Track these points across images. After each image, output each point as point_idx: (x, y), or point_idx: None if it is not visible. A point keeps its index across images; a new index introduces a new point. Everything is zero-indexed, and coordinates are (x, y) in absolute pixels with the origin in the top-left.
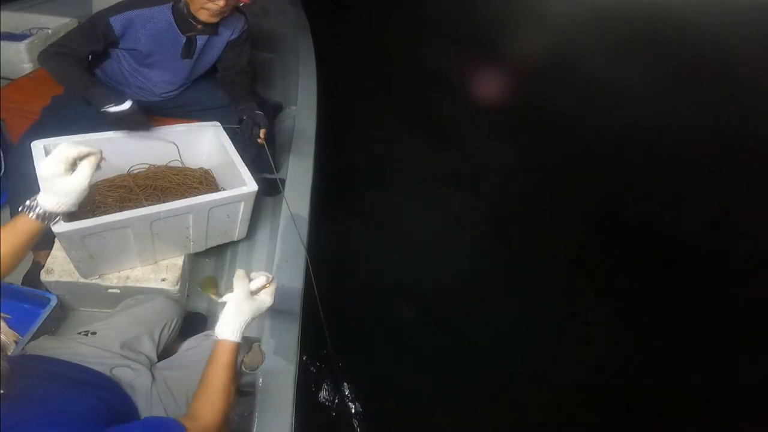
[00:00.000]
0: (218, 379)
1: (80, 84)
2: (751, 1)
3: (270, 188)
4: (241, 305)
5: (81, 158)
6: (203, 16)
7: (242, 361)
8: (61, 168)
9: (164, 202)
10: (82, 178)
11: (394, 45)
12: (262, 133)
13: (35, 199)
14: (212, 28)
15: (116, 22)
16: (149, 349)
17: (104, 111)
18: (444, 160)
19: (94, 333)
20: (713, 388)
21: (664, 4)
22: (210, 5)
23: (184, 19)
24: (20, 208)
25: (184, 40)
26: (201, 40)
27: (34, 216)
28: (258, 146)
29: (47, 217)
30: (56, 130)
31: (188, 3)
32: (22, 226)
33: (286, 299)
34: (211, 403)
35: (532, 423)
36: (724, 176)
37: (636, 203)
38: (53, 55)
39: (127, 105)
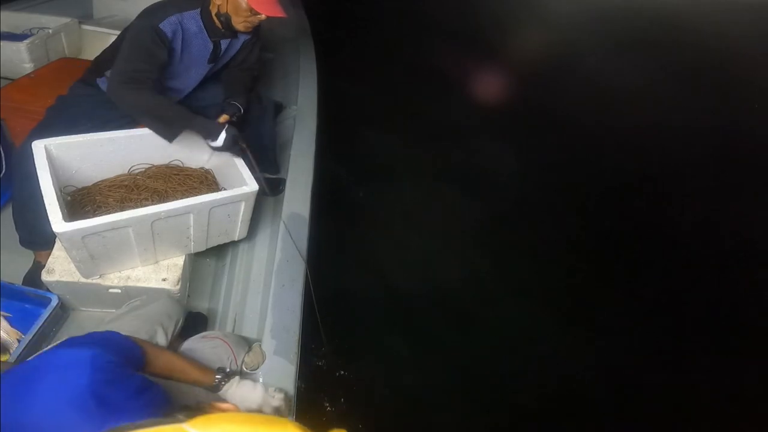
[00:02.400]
0: (188, 375)
1: (178, 119)
2: (751, 1)
3: (270, 188)
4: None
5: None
6: (242, 27)
7: (243, 361)
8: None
9: (165, 201)
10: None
11: (394, 45)
12: (222, 118)
13: (230, 382)
14: (234, 32)
15: (166, 27)
16: (162, 342)
17: (210, 146)
18: (444, 160)
19: None
20: (714, 388)
21: (664, 4)
22: (253, 19)
23: (212, 25)
24: (217, 376)
25: (212, 45)
26: (223, 44)
27: (215, 389)
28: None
29: (215, 389)
30: (61, 130)
31: (229, 15)
32: (206, 381)
33: (286, 299)
34: (173, 367)
35: (532, 422)
36: (724, 176)
37: (636, 203)
38: (131, 89)
39: (221, 141)
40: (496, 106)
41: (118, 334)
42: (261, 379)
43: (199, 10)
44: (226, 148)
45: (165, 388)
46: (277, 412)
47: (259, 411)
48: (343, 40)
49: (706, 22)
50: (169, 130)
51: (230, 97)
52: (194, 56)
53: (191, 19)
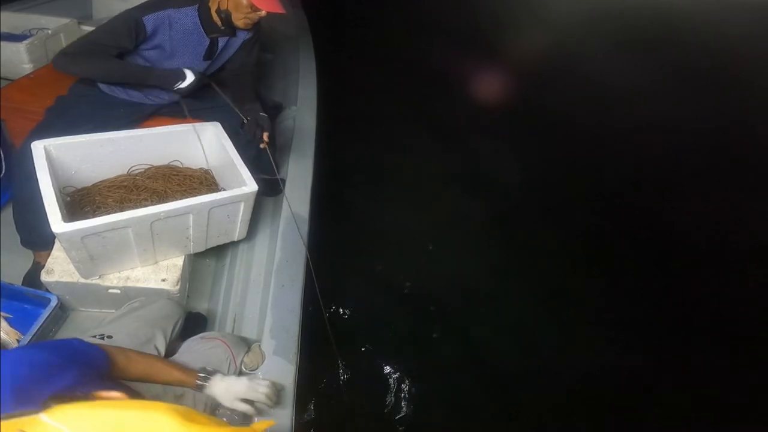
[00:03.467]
0: (169, 377)
1: (135, 74)
2: (751, 1)
3: (270, 188)
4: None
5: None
6: (242, 24)
7: (242, 361)
8: (245, 396)
9: (164, 202)
10: (236, 407)
11: (394, 45)
12: (265, 136)
13: (211, 379)
14: (232, 30)
15: (149, 21)
16: (161, 344)
17: (176, 89)
18: (444, 160)
19: (110, 336)
20: (715, 388)
21: (664, 4)
22: (253, 16)
23: (210, 21)
24: (197, 373)
25: (208, 41)
26: (221, 41)
27: (198, 384)
28: (258, 148)
29: (198, 388)
30: (60, 130)
31: (230, 11)
32: (187, 381)
33: (286, 299)
34: (150, 371)
35: (532, 422)
36: (724, 176)
37: (636, 202)
38: (83, 55)
39: (191, 76)
40: (496, 106)
41: (80, 340)
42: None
43: (196, 6)
44: (196, 84)
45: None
46: (267, 398)
47: (246, 397)
48: (343, 39)
49: (706, 22)
50: (128, 82)
51: (242, 103)
52: (188, 53)
53: (186, 16)
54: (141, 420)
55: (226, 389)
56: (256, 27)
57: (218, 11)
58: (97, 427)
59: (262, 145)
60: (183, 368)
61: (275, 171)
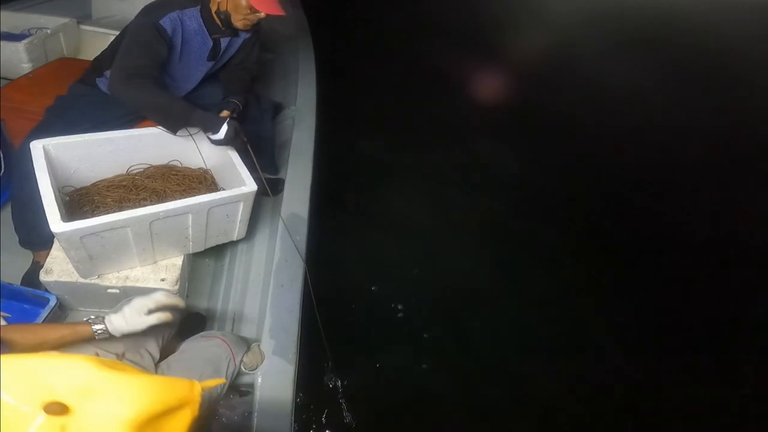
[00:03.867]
0: (55, 336)
1: (180, 112)
2: (751, 1)
3: (269, 188)
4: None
5: (160, 308)
6: (241, 25)
7: (242, 361)
8: (145, 309)
9: (163, 202)
10: (148, 323)
11: (394, 45)
12: (223, 113)
13: (104, 318)
14: (234, 31)
15: (166, 24)
16: (154, 348)
17: (211, 139)
18: (444, 160)
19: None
20: (715, 388)
21: (664, 4)
22: (252, 17)
23: (212, 23)
24: (86, 318)
25: (211, 43)
26: (223, 42)
27: (97, 329)
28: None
29: (102, 334)
30: (60, 130)
31: (229, 12)
32: (82, 330)
33: (285, 299)
34: (43, 337)
35: (532, 422)
36: (724, 176)
37: (636, 202)
38: (132, 84)
39: (222, 133)
40: (496, 106)
41: None
42: (260, 379)
43: (199, 7)
44: (227, 141)
45: None
46: (166, 297)
47: (147, 308)
48: (343, 40)
49: (706, 22)
50: (171, 124)
51: (229, 95)
52: (194, 54)
53: (191, 17)
54: (57, 365)
55: (125, 317)
56: (256, 27)
57: (218, 12)
58: (16, 373)
59: (224, 113)
60: (72, 324)
61: (256, 165)
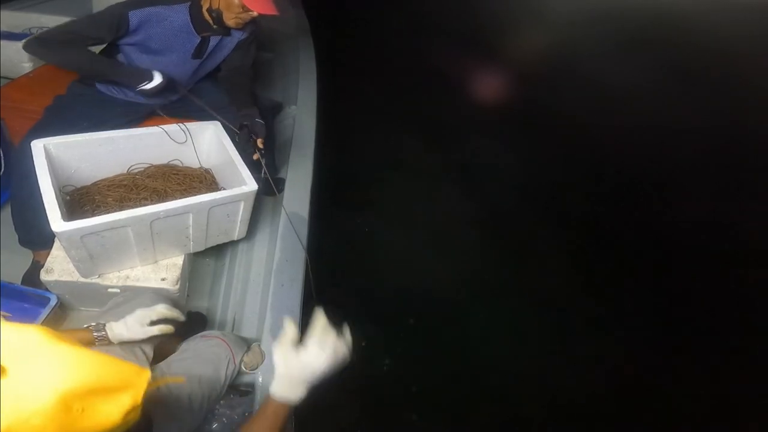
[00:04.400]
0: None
1: (102, 67)
2: (751, 1)
3: (270, 188)
4: (287, 362)
5: (162, 320)
6: (233, 23)
7: (242, 360)
8: (147, 320)
9: (164, 201)
10: (149, 333)
11: (394, 44)
12: (259, 142)
13: (105, 325)
14: (226, 30)
15: (134, 16)
16: (148, 347)
17: (140, 90)
18: (444, 160)
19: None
20: (715, 388)
21: (664, 4)
22: (244, 16)
23: (201, 20)
24: (86, 326)
25: (198, 40)
26: (213, 40)
27: (98, 335)
28: (252, 152)
29: (102, 341)
30: (59, 129)
31: (221, 10)
32: (83, 337)
33: (285, 299)
34: None
35: (532, 422)
36: (723, 176)
37: (635, 202)
38: (56, 42)
39: (158, 79)
40: (495, 106)
41: None
42: (260, 379)
43: (188, 4)
44: (159, 90)
45: None
46: (167, 310)
47: (149, 319)
48: (343, 39)
49: (706, 22)
50: (95, 75)
51: (238, 107)
52: (176, 50)
53: (178, 13)
54: (10, 331)
55: (127, 325)
56: (252, 27)
57: (209, 10)
58: None
59: (255, 157)
60: (74, 330)
61: (270, 180)
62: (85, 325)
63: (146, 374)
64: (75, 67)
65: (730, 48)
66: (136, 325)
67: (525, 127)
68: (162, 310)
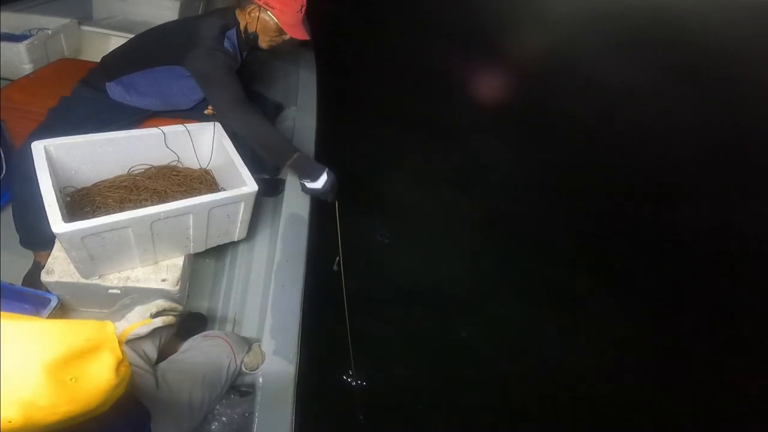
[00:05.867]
0: None
1: (284, 151)
2: (751, 1)
3: (270, 189)
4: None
5: (161, 312)
6: (266, 46)
7: (242, 361)
8: (147, 314)
9: (164, 202)
10: (152, 325)
11: (395, 44)
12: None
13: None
14: (255, 49)
15: (227, 45)
16: (150, 349)
17: (301, 183)
18: (444, 160)
19: None
20: (714, 389)
21: (664, 4)
22: (278, 39)
23: (242, 41)
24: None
25: (240, 59)
26: (247, 56)
27: None
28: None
29: None
30: (63, 131)
31: (257, 34)
32: None
33: (285, 299)
34: None
35: (531, 422)
36: (724, 175)
37: (635, 202)
38: (246, 110)
39: (321, 183)
40: (496, 106)
41: None
42: (261, 380)
43: (235, 28)
44: (324, 192)
45: None
46: (165, 301)
47: (150, 312)
48: (343, 39)
49: (706, 22)
50: (274, 158)
51: None
52: None
53: (231, 37)
54: None
55: (129, 322)
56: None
57: (245, 32)
58: None
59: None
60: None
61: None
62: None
63: (109, 325)
64: (265, 141)
65: (730, 48)
66: (137, 318)
67: (526, 127)
68: (161, 302)
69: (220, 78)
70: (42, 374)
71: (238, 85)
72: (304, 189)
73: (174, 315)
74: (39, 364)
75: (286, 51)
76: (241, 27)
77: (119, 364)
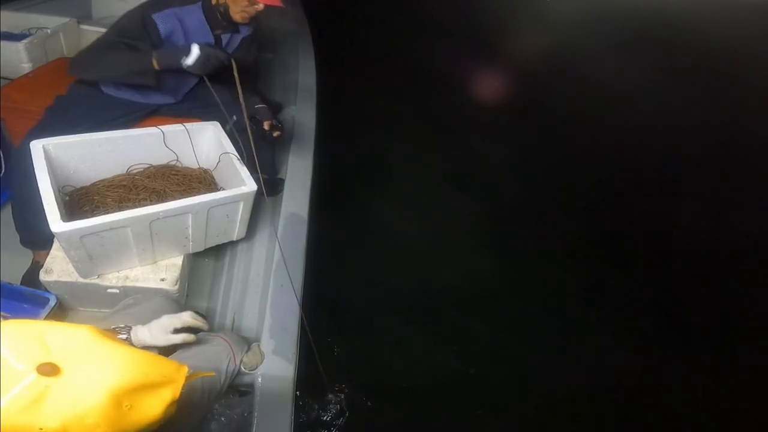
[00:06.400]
0: None
1: (139, 61)
2: (751, 1)
3: (269, 189)
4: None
5: (186, 328)
6: (239, 18)
7: (241, 360)
8: (171, 328)
9: (163, 201)
10: (172, 341)
11: (394, 44)
12: (266, 124)
13: (131, 328)
14: (234, 25)
15: (160, 19)
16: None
17: (185, 67)
18: (444, 160)
19: None
20: (714, 389)
21: (664, 4)
22: (250, 9)
23: (214, 17)
24: (114, 327)
25: (212, 39)
26: (225, 38)
27: (122, 338)
28: (271, 140)
29: (127, 342)
30: (60, 130)
31: (228, 4)
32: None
33: (285, 299)
34: None
35: (532, 423)
36: (723, 176)
37: (635, 203)
38: (94, 57)
39: (195, 53)
40: (496, 106)
41: None
42: (260, 379)
43: (200, 3)
44: (205, 58)
45: None
46: (193, 319)
47: (174, 327)
48: (343, 39)
49: (706, 22)
50: (143, 76)
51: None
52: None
53: (191, 13)
54: (59, 329)
55: (151, 331)
56: (255, 24)
57: (216, 5)
58: (21, 333)
59: (276, 134)
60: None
61: (275, 168)
62: (113, 326)
63: (185, 370)
64: (114, 71)
65: (730, 48)
66: (160, 331)
67: (526, 128)
68: (188, 318)
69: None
70: (106, 396)
71: (118, 38)
72: (191, 68)
73: (196, 333)
74: (109, 386)
75: (269, 27)
76: (213, 1)
77: (171, 403)
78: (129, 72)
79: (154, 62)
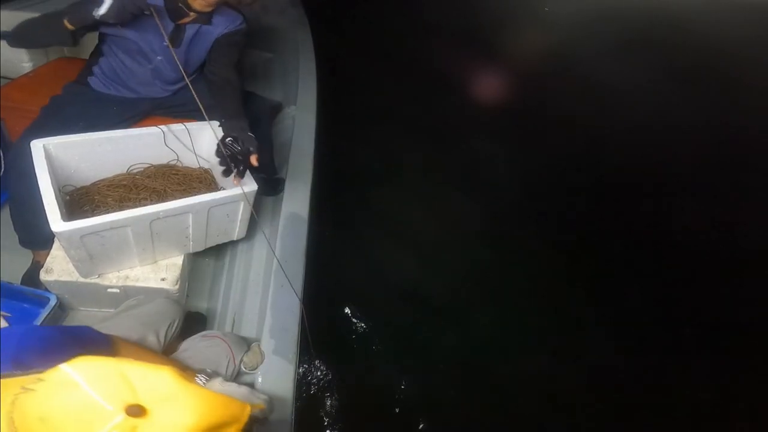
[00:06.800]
0: None
1: (53, 21)
2: (751, 1)
3: (270, 188)
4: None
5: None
6: (198, 4)
7: (242, 360)
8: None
9: (164, 201)
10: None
11: (395, 44)
12: (253, 159)
13: (208, 382)
14: (205, 18)
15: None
16: (155, 344)
17: (99, 18)
18: (444, 160)
19: None
20: (714, 389)
21: (664, 4)
22: None
23: (176, 6)
24: (197, 376)
25: (172, 25)
26: (191, 29)
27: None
28: (239, 166)
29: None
30: (55, 129)
31: None
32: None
33: (285, 299)
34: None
35: (532, 423)
36: (723, 176)
37: (635, 203)
38: (22, 24)
39: (106, 5)
40: (495, 106)
41: (90, 328)
42: (260, 379)
43: None
44: (114, 13)
45: None
46: (261, 412)
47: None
48: (343, 39)
49: (705, 22)
50: (61, 36)
51: (227, 116)
52: (153, 38)
53: None
54: (145, 372)
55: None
56: (238, 25)
57: None
58: (107, 373)
59: (254, 161)
60: (182, 367)
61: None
62: (199, 376)
63: (248, 409)
64: (41, 36)
65: (730, 48)
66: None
67: (525, 128)
68: (263, 403)
69: None
70: None
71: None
72: (105, 18)
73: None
74: (189, 427)
75: (269, 27)
76: None
77: None
78: (49, 35)
79: (66, 22)
